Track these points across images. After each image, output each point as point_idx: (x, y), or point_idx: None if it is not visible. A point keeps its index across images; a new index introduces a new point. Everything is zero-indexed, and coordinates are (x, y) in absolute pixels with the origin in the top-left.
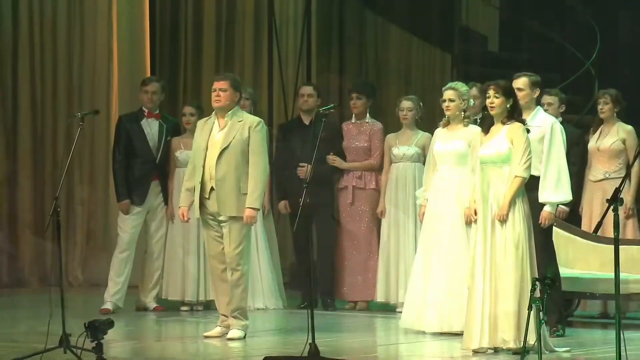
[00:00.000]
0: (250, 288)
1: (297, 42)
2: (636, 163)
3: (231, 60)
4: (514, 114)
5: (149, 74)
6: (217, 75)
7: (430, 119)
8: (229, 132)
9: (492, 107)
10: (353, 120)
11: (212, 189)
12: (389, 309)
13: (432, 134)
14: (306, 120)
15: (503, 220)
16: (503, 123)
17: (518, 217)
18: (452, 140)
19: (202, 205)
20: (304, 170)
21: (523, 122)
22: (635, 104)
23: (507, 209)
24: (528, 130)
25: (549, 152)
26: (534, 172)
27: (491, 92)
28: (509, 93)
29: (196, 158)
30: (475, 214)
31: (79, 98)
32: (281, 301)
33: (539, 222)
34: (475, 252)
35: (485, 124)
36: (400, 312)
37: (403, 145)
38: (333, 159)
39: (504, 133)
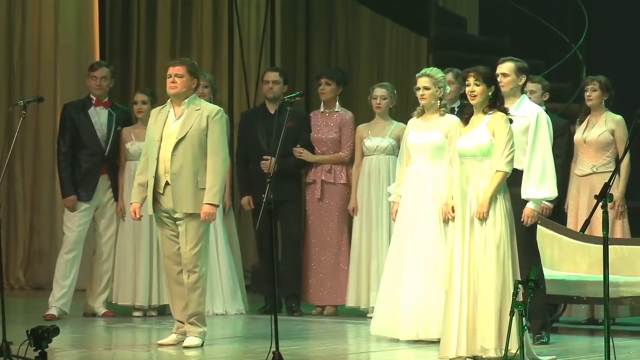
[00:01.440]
0: (208, 291)
1: (260, 24)
2: (626, 156)
3: (188, 44)
4: (496, 102)
5: (97, 58)
6: (172, 60)
7: (404, 108)
8: (185, 122)
9: (472, 95)
10: (322, 110)
11: (166, 183)
12: (360, 314)
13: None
14: (271, 109)
15: (483, 219)
16: (484, 113)
17: (499, 214)
18: (427, 131)
19: (155, 201)
20: (268, 163)
21: (506, 111)
22: (625, 91)
23: (488, 206)
24: (511, 121)
25: (533, 144)
26: (518, 166)
27: (471, 80)
28: (490, 80)
29: (149, 150)
30: (453, 211)
31: (20, 84)
32: (242, 306)
33: (522, 220)
34: (453, 252)
35: (465, 113)
36: (372, 317)
37: (376, 137)
38: (300, 152)
39: (485, 124)
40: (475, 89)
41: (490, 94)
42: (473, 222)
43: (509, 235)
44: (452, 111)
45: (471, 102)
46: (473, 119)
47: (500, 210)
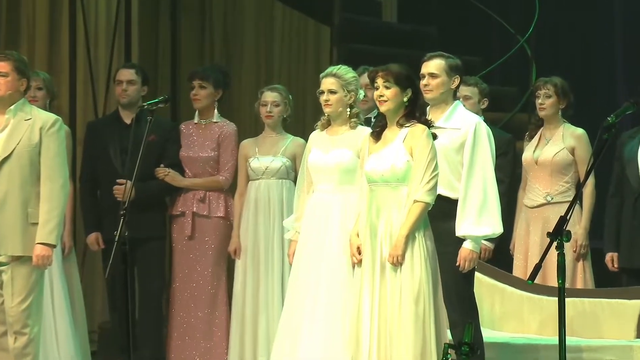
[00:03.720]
0: (41, 359)
1: (112, 9)
2: (590, 181)
3: (15, 35)
4: (415, 111)
5: None
6: None
7: (301, 118)
8: (11, 136)
9: (381, 101)
10: (195, 120)
11: None
12: None
13: (306, 139)
14: (126, 117)
15: (397, 263)
16: (400, 125)
17: (418, 258)
18: (333, 149)
19: None
20: (122, 188)
21: (428, 123)
22: (587, 97)
23: (403, 248)
24: (434, 136)
25: (470, 165)
26: (451, 194)
27: (379, 81)
28: (405, 82)
29: None
30: (360, 253)
31: None
32: None
33: (457, 264)
34: (361, 308)
35: (377, 126)
36: None
37: (266, 156)
38: (165, 172)
39: (401, 140)
40: (384, 92)
41: (405, 99)
42: (385, 268)
43: (431, 285)
44: (367, 123)
45: (380, 109)
46: (386, 133)
47: (420, 253)
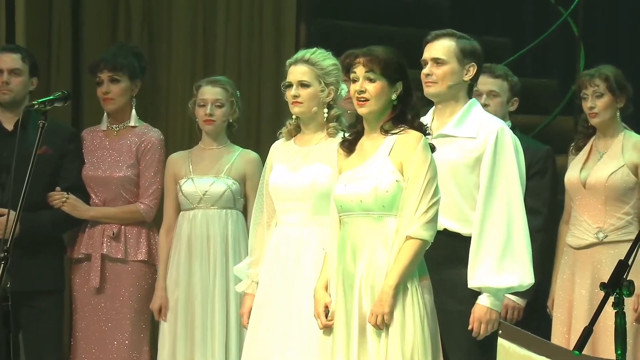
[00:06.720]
0: None
1: None
2: None
3: None
4: (406, 113)
5: None
6: None
7: (255, 123)
8: None
9: (360, 100)
10: (104, 126)
11: None
12: None
13: (262, 153)
14: (7, 121)
15: (382, 325)
16: (385, 132)
17: (412, 316)
18: (305, 164)
19: None
20: (2, 222)
21: (423, 129)
22: None
23: (391, 303)
24: (433, 148)
25: (490, 188)
26: (462, 229)
27: (360, 71)
28: (395, 72)
29: None
30: (327, 314)
31: None
32: None
33: (469, 327)
34: None
35: (351, 132)
36: None
37: (204, 176)
38: (62, 198)
39: (387, 152)
40: (366, 87)
41: (394, 97)
42: (365, 331)
43: (430, 354)
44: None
45: (359, 111)
46: (364, 142)
47: (414, 309)
